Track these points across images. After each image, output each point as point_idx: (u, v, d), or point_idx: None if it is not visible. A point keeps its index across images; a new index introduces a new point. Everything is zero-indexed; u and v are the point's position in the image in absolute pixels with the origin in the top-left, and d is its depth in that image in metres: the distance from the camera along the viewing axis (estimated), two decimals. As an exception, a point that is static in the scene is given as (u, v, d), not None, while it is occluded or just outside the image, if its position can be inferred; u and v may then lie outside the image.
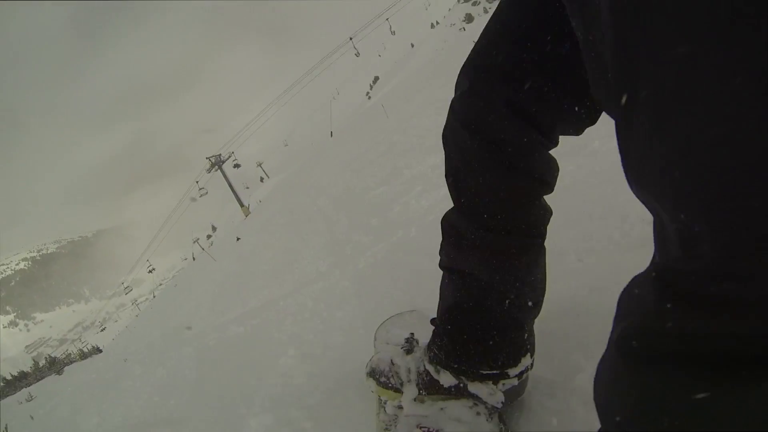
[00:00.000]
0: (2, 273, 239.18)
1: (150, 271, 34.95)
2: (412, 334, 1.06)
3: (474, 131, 0.77)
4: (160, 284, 48.50)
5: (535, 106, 0.73)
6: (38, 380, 15.51)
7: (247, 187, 45.40)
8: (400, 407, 0.94)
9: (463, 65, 0.80)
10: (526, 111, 0.73)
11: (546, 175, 0.80)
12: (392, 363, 0.98)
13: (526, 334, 0.86)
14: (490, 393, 0.86)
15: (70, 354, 18.37)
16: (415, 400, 0.92)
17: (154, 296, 31.90)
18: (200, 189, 31.08)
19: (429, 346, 0.94)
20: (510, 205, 0.79)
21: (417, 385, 0.93)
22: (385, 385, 0.98)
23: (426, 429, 0.88)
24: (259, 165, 41.44)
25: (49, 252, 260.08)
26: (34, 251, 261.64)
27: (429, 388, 0.92)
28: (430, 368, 0.92)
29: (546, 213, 0.84)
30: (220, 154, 28.27)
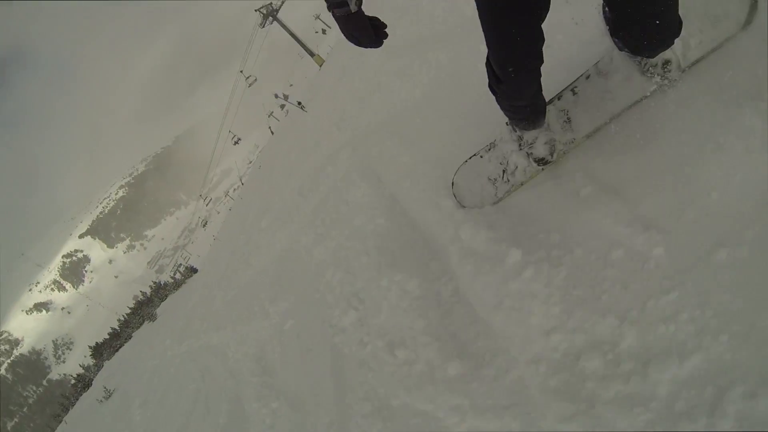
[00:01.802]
0: (107, 205, 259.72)
1: (235, 143, 32.05)
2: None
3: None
4: (250, 162, 47.42)
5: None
6: (137, 328, 15.56)
7: (320, 31, 35.58)
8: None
9: None
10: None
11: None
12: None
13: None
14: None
15: (167, 284, 18.51)
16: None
17: (242, 183, 31.99)
18: (247, 78, 26.47)
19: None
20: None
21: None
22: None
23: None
24: (317, 17, 33.81)
25: (140, 172, 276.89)
26: (127, 176, 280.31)
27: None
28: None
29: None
30: (270, 2, 23.80)
